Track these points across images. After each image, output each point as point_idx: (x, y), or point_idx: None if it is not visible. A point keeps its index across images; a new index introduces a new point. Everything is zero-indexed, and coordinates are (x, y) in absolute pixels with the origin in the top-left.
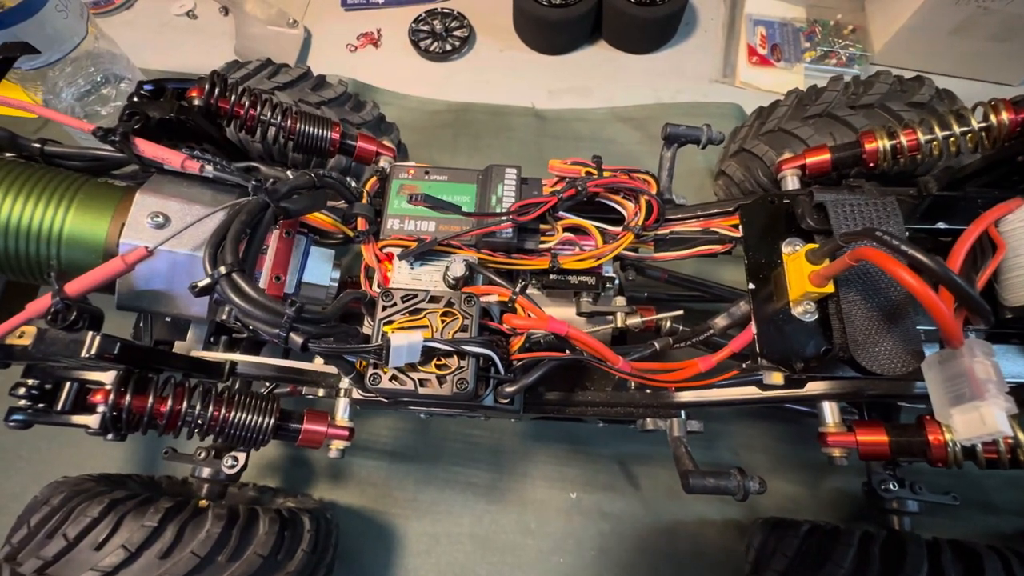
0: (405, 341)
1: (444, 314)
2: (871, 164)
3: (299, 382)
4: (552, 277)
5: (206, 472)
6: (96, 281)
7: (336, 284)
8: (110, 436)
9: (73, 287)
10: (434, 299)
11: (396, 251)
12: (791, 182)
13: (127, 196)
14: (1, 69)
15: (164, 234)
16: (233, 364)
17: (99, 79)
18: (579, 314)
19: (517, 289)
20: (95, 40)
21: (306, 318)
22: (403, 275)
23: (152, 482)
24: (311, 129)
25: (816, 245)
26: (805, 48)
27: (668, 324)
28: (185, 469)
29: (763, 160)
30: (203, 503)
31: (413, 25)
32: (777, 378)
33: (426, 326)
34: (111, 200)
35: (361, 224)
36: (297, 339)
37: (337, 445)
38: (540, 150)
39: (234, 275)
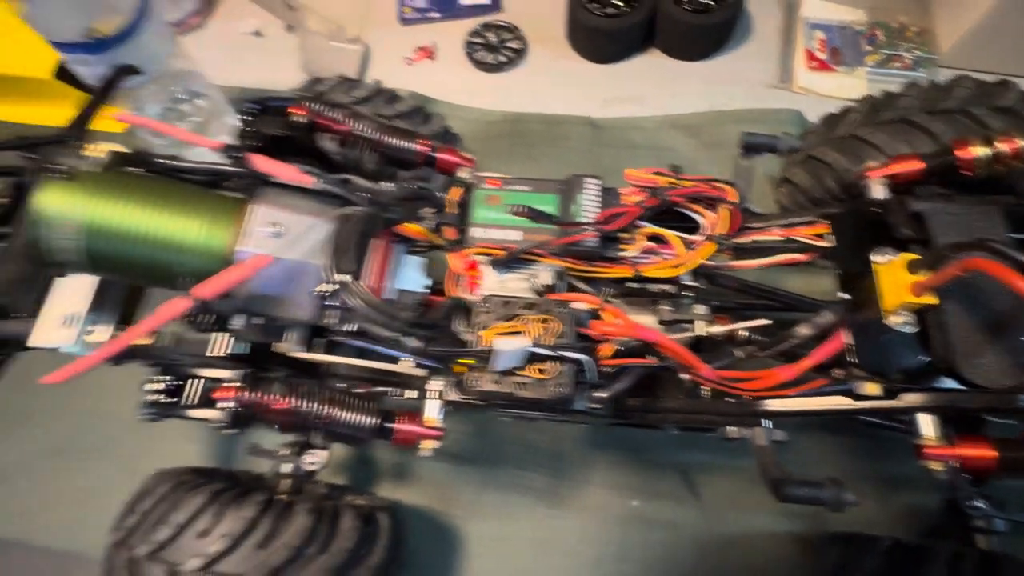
0: (511, 346)
1: (542, 320)
2: (967, 172)
3: (387, 384)
4: (633, 285)
5: (287, 468)
6: (224, 285)
7: (428, 291)
8: (231, 431)
9: (203, 291)
10: (530, 306)
11: (481, 259)
12: (878, 191)
13: (241, 207)
14: (108, 90)
15: (279, 243)
16: (329, 365)
17: (179, 96)
18: (660, 322)
19: (604, 298)
20: (178, 60)
21: (419, 323)
22: (490, 282)
23: (232, 475)
24: (400, 142)
25: (912, 255)
26: (866, 52)
27: (743, 333)
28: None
29: (833, 167)
30: (289, 497)
31: (468, 38)
32: (873, 388)
33: (523, 332)
34: (230, 211)
35: (449, 233)
36: (416, 342)
37: (428, 445)
38: (596, 158)
39: (357, 282)
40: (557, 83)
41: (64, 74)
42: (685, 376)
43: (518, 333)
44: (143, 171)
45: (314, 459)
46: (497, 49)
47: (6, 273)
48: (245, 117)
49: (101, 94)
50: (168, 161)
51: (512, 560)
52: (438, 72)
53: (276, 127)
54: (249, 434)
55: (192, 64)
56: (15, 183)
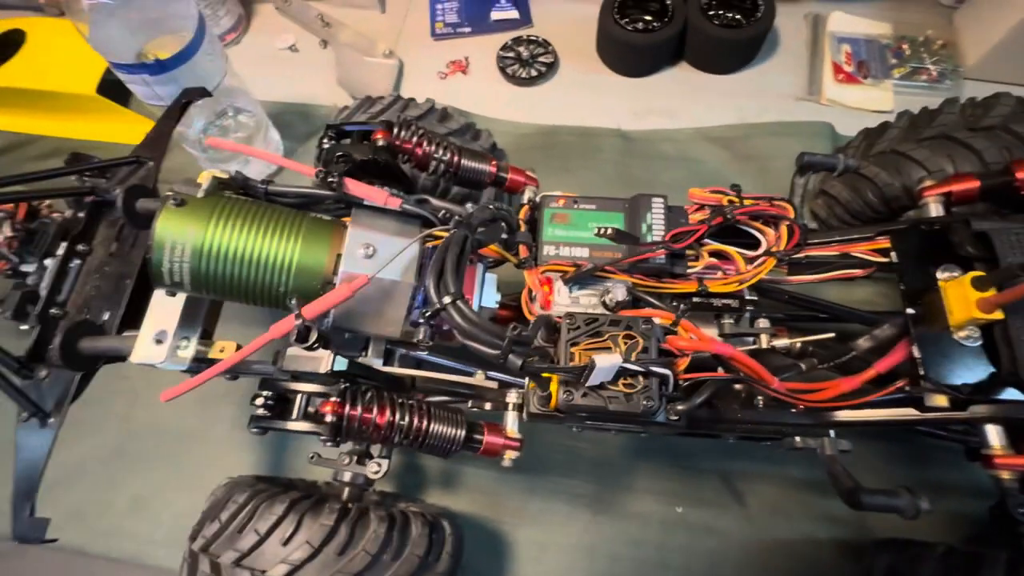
0: (607, 363)
1: (625, 336)
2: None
3: (462, 396)
4: (696, 300)
5: (347, 476)
6: (329, 305)
7: (499, 306)
8: (330, 443)
9: (309, 311)
10: (614, 323)
11: (554, 275)
12: (934, 209)
13: (336, 229)
14: (182, 112)
15: (374, 263)
16: (413, 379)
17: (224, 112)
18: (721, 335)
19: (678, 313)
20: (229, 78)
21: (519, 341)
22: (563, 298)
23: (291, 483)
24: (473, 164)
25: (978, 272)
26: (893, 64)
27: (799, 345)
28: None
29: (874, 182)
30: (351, 505)
31: (500, 52)
32: (941, 400)
33: (609, 348)
34: (327, 233)
35: (523, 251)
36: (516, 360)
37: (510, 455)
38: (628, 170)
39: (459, 303)
40: (588, 96)
41: (105, 89)
42: (755, 389)
43: (606, 349)
44: (240, 195)
45: (377, 467)
46: (529, 63)
47: (92, 290)
48: (325, 142)
49: (175, 116)
50: (264, 185)
51: (558, 566)
52: (471, 86)
53: (365, 152)
54: (305, 443)
55: (240, 81)
56: (92, 203)
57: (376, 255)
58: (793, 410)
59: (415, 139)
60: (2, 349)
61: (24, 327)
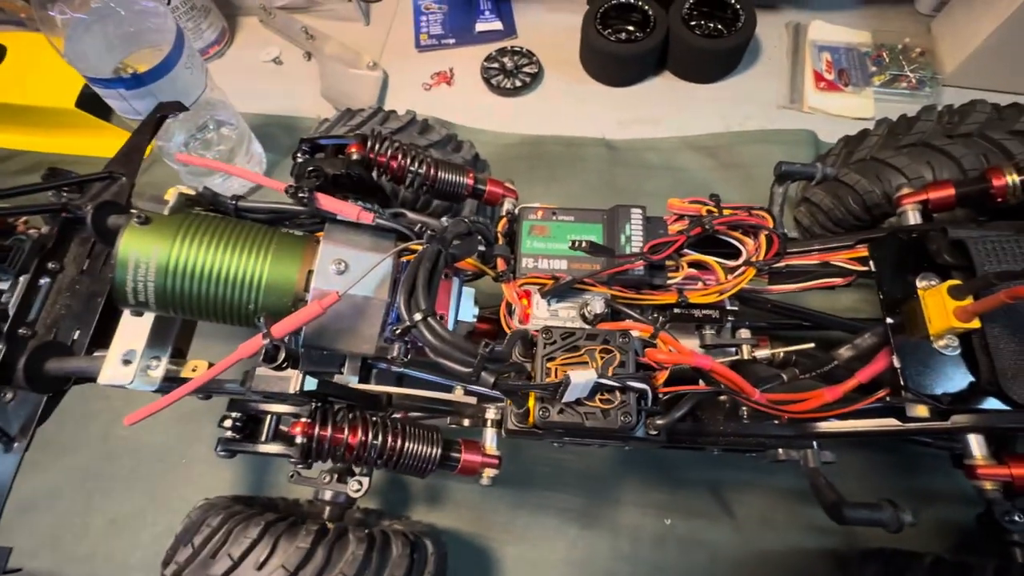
0: (582, 379)
1: (602, 351)
2: (999, 199)
3: (439, 412)
4: (677, 311)
5: (328, 495)
6: (299, 323)
7: (476, 320)
8: (301, 465)
9: (278, 330)
10: (590, 336)
11: (532, 288)
12: (912, 216)
13: (308, 245)
14: (157, 126)
15: (346, 279)
16: (390, 395)
17: (207, 125)
18: (702, 346)
19: (657, 325)
20: (210, 91)
21: (492, 357)
22: (541, 312)
23: (272, 503)
24: (450, 176)
25: (955, 281)
26: (873, 72)
27: (781, 355)
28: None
29: (855, 189)
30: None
31: (484, 63)
32: (922, 411)
33: (586, 362)
34: (298, 249)
35: (500, 265)
36: (489, 377)
37: (488, 473)
38: (613, 179)
39: (430, 320)
40: (572, 106)
41: (85, 103)
42: (736, 401)
43: (582, 364)
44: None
45: (358, 486)
46: (513, 74)
47: (62, 309)
48: (299, 156)
49: (149, 130)
50: (233, 201)
51: None
52: (456, 97)
53: (338, 166)
54: (286, 461)
55: (223, 94)
56: (64, 219)
57: (348, 271)
58: (776, 422)
59: (390, 152)
60: None
61: None
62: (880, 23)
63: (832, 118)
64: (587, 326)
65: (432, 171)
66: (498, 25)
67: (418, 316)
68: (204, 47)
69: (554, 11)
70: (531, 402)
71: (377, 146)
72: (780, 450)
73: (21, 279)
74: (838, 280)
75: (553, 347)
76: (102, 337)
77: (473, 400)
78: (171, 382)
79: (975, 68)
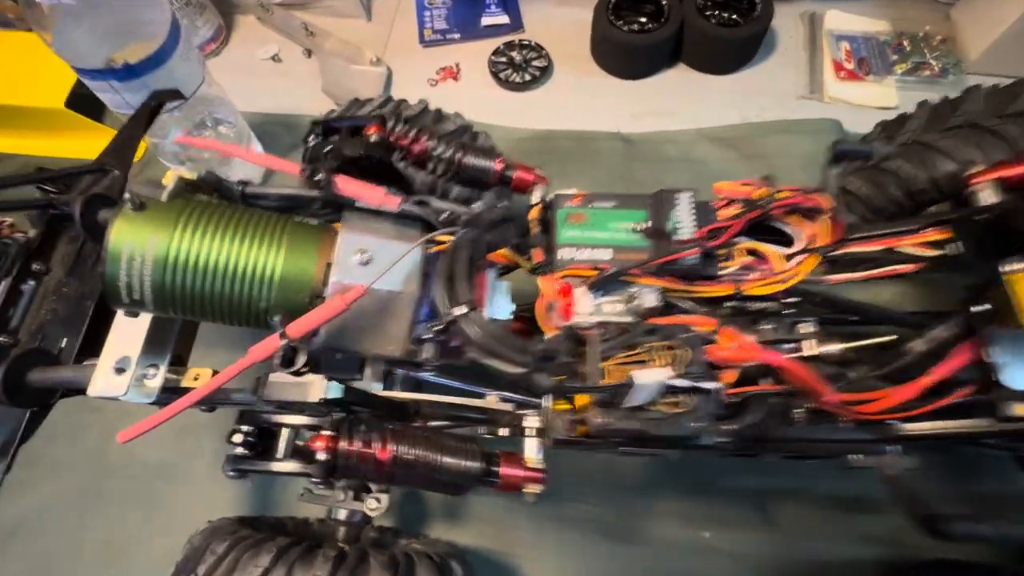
0: (649, 379)
1: (664, 348)
2: None
3: (478, 423)
4: (731, 304)
5: (343, 514)
6: (319, 322)
7: (513, 316)
8: (322, 485)
9: (295, 329)
10: (649, 332)
11: (574, 281)
12: (987, 196)
13: (326, 234)
14: (152, 116)
15: (371, 272)
16: (418, 404)
17: (203, 122)
18: (761, 343)
19: (721, 319)
20: (208, 86)
21: (546, 355)
22: (585, 307)
23: (281, 523)
24: (477, 161)
25: None
26: (894, 61)
27: (843, 352)
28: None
29: (897, 175)
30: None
31: (492, 57)
32: (1021, 409)
33: (644, 361)
34: (314, 239)
35: (538, 255)
36: (544, 380)
37: (533, 489)
38: (630, 173)
39: (474, 313)
40: (584, 99)
41: (75, 104)
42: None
43: (641, 363)
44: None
45: (376, 503)
46: (522, 68)
47: (48, 314)
48: (311, 139)
49: (143, 120)
50: (240, 187)
51: None
52: (463, 92)
53: (356, 148)
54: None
55: (221, 91)
56: (50, 216)
57: (373, 262)
58: (841, 424)
59: (412, 134)
60: None
61: None
62: (897, 11)
63: (854, 108)
64: (641, 322)
65: (457, 154)
66: (504, 19)
67: (461, 309)
68: (200, 44)
69: (562, 4)
70: (582, 400)
71: (398, 127)
72: (853, 456)
73: (2, 283)
74: (907, 267)
75: (610, 344)
76: (92, 345)
77: (509, 407)
78: (170, 393)
79: (1000, 55)
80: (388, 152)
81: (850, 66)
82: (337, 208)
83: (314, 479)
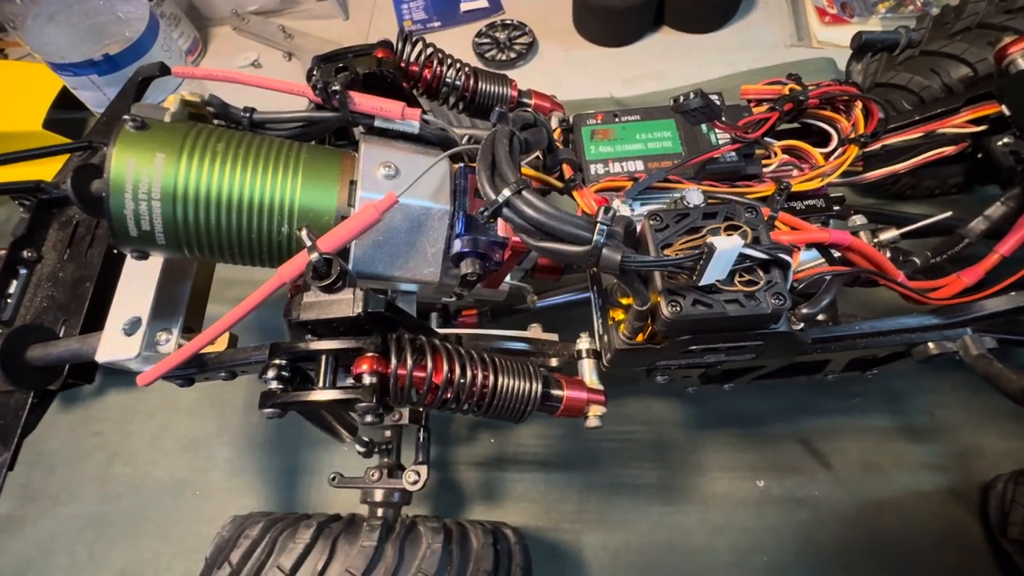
0: (727, 245)
1: (728, 228)
2: None
3: (522, 354)
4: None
5: (379, 495)
6: (353, 233)
7: None
8: (374, 418)
9: (326, 242)
10: (708, 215)
11: (610, 195)
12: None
13: (345, 156)
14: (141, 89)
15: (399, 184)
16: (460, 339)
17: None
18: None
19: (776, 204)
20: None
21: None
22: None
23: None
24: (491, 88)
25: None
26: (875, 0)
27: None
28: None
29: (907, 88)
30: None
31: (476, 39)
32: None
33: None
34: (334, 160)
35: (567, 171)
36: (615, 253)
37: (596, 411)
38: None
39: (526, 192)
40: (574, 71)
41: (53, 126)
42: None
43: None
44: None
45: (415, 476)
46: (507, 46)
47: (44, 301)
48: (316, 72)
49: (130, 97)
50: (247, 113)
51: (639, 569)
52: None
53: (368, 64)
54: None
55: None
56: (39, 202)
57: (399, 175)
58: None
59: (423, 58)
60: None
61: None
62: None
63: (844, 50)
64: (700, 206)
65: (471, 81)
66: (483, 3)
67: (510, 189)
68: None
69: None
70: (621, 316)
71: (408, 50)
72: (931, 344)
73: None
74: (949, 149)
75: (668, 232)
76: (94, 326)
77: (555, 336)
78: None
79: None
80: (399, 73)
81: (833, 11)
82: (348, 138)
83: (364, 405)
